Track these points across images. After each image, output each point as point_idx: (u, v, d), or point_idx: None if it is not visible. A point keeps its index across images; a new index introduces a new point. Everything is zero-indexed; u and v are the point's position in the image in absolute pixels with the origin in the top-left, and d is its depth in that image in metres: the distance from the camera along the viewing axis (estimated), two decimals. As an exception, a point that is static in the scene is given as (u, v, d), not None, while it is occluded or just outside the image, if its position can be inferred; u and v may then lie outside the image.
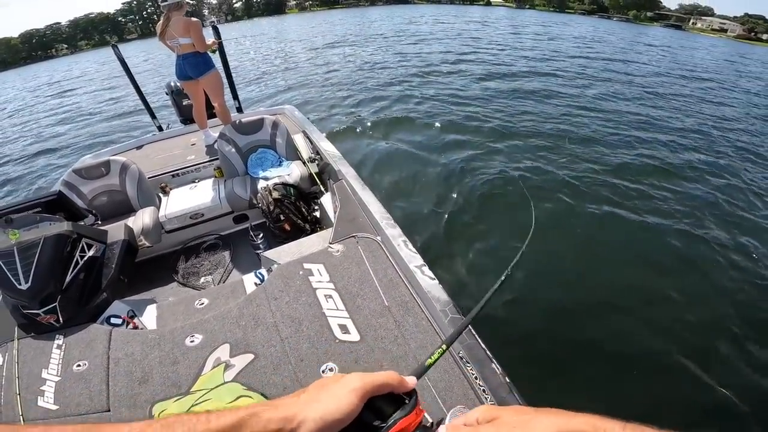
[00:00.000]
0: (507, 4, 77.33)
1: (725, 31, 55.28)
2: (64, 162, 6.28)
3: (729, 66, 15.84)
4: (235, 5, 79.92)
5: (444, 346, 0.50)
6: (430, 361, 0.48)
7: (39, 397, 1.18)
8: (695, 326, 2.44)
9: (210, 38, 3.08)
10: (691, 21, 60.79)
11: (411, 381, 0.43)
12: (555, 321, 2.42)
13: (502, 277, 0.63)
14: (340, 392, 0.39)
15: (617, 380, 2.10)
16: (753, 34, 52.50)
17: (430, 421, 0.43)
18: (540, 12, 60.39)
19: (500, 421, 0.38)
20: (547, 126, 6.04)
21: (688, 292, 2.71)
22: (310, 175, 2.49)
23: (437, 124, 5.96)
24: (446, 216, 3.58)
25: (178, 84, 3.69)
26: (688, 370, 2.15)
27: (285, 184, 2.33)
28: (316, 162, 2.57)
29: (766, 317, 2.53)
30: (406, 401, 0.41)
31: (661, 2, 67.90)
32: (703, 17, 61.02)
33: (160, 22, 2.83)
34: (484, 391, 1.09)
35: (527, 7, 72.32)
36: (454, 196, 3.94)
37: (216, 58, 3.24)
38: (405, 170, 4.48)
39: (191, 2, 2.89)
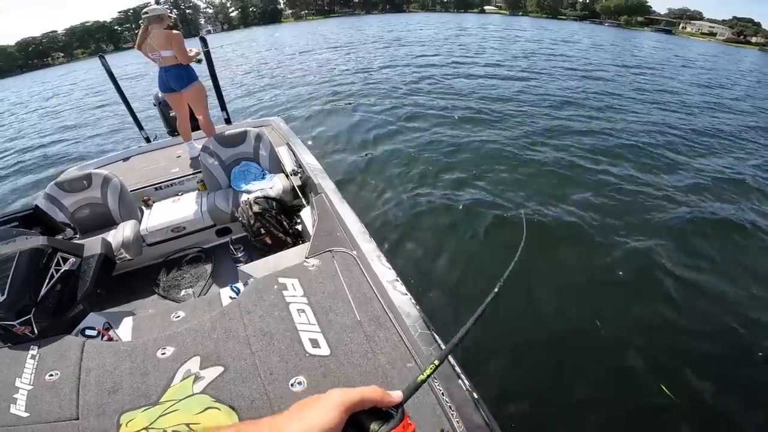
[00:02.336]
0: (501, 11, 78.37)
1: (714, 34, 56.22)
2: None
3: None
4: (232, 15, 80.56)
5: (436, 362, 0.49)
6: (421, 377, 0.46)
7: (11, 404, 1.21)
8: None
9: (194, 48, 3.10)
10: (681, 25, 61.85)
11: (396, 395, 0.43)
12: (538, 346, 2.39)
13: (496, 289, 0.61)
14: (321, 409, 0.39)
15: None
16: (742, 37, 53.41)
17: None
18: (533, 18, 61.38)
19: None
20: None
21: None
22: (293, 188, 2.50)
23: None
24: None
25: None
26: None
27: (267, 198, 2.34)
28: (299, 175, 2.58)
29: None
30: (394, 416, 0.41)
31: (651, 7, 69.06)
32: (692, 21, 62.08)
33: (140, 32, 2.84)
34: (450, 408, 1.10)
35: (521, 13, 73.36)
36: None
37: (202, 69, 3.25)
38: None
39: (173, 16, 2.90)
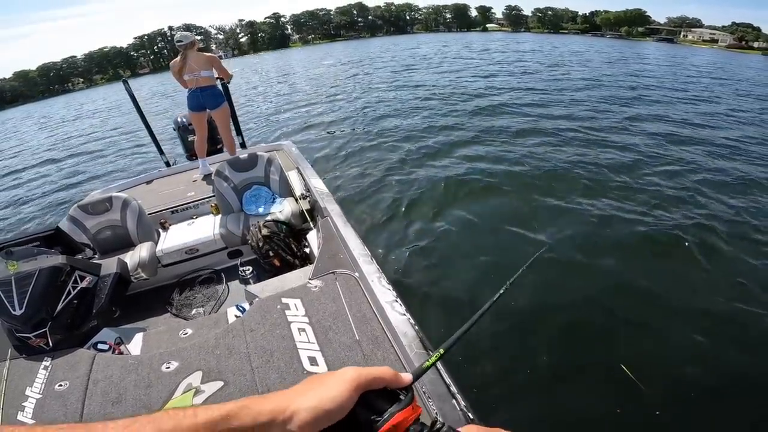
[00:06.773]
0: (503, 29, 79.97)
1: (716, 41, 56.14)
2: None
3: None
4: (242, 40, 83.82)
5: (441, 350, 0.49)
6: (427, 363, 0.47)
7: (20, 411, 1.28)
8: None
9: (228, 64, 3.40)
10: (682, 33, 62.01)
11: (407, 377, 0.43)
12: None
13: (501, 291, 0.62)
14: (334, 383, 0.38)
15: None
16: (744, 42, 53.22)
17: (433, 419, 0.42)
18: (536, 34, 62.31)
19: None
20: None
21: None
22: (302, 212, 2.59)
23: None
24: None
25: (184, 119, 3.98)
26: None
27: (276, 221, 2.43)
28: (308, 199, 2.66)
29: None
30: (402, 397, 0.41)
31: (651, 17, 69.63)
32: (693, 29, 62.18)
33: (177, 59, 3.13)
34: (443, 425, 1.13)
35: (523, 30, 74.82)
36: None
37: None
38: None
39: (200, 38, 3.19)
